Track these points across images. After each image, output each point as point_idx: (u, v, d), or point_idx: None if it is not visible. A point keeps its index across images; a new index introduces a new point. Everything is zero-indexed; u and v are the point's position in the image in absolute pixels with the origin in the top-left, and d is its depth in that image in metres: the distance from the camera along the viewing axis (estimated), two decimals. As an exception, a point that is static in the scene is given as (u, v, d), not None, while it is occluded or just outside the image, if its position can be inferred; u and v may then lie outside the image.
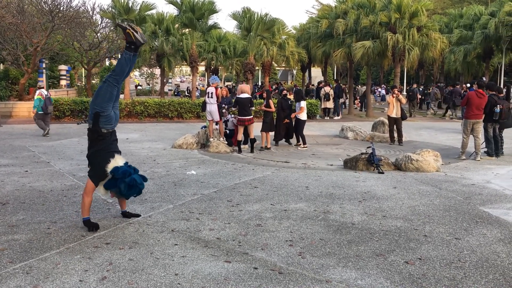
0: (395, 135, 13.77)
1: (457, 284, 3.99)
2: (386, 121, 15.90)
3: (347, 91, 26.93)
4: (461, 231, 5.40)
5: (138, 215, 5.75)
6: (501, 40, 26.58)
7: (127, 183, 5.09)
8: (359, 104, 30.07)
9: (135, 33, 4.90)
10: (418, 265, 4.39)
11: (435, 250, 4.77)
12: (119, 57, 5.05)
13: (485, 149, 11.25)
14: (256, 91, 30.61)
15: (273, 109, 12.62)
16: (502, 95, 11.52)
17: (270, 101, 12.61)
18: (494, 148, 11.10)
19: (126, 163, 5.26)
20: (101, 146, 5.19)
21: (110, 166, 5.10)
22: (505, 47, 27.21)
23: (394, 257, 4.58)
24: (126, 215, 5.70)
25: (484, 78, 26.46)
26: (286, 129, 13.00)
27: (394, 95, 13.58)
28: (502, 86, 26.24)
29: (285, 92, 13.50)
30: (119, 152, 5.34)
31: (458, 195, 7.20)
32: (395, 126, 13.70)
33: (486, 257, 4.60)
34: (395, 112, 13.56)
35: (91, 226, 5.14)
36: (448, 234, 5.30)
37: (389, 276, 4.13)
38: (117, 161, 5.17)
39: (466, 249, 4.83)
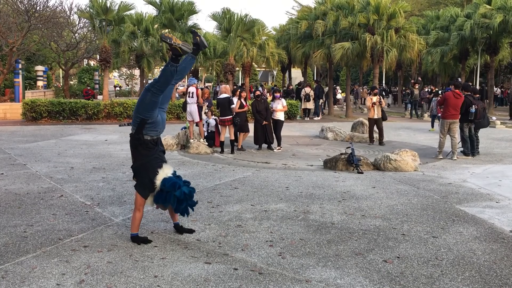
0: (375, 135, 13.90)
1: (434, 281, 4.05)
2: (366, 121, 16.06)
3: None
4: (438, 230, 5.49)
5: (192, 231, 5.25)
6: (476, 41, 27.09)
7: (176, 197, 4.72)
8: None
9: (182, 47, 4.62)
10: (396, 263, 4.45)
11: (413, 249, 4.84)
12: (164, 68, 4.72)
13: (462, 149, 11.45)
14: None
15: (236, 109, 11.98)
16: (477, 95, 11.75)
17: (239, 101, 12.28)
18: (470, 147, 11.31)
19: (174, 173, 4.93)
20: (148, 158, 4.81)
21: (159, 178, 4.76)
22: (480, 49, 27.73)
23: (373, 256, 4.63)
24: (179, 229, 5.24)
25: (460, 79, 26.94)
26: (264, 132, 12.39)
27: (376, 103, 13.54)
28: (477, 86, 26.77)
29: (257, 93, 12.84)
30: (165, 162, 4.97)
31: (435, 194, 7.31)
32: (375, 127, 13.82)
33: (462, 255, 4.68)
34: (376, 113, 13.69)
35: (140, 242, 4.83)
36: (426, 232, 5.38)
37: (368, 275, 4.17)
38: (165, 172, 4.81)
39: (443, 247, 4.91)
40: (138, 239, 4.86)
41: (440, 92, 20.79)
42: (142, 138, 4.77)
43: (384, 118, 13.92)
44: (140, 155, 4.83)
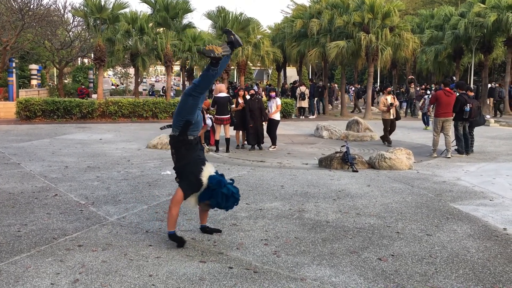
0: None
1: (429, 279, 4.07)
2: (361, 120, 16.08)
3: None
4: (433, 228, 5.51)
5: (219, 231, 5.24)
6: (470, 40, 27.19)
7: (224, 194, 4.75)
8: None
9: (223, 53, 4.60)
10: (391, 261, 4.46)
11: (407, 247, 4.86)
12: (204, 73, 4.70)
13: (456, 147, 11.50)
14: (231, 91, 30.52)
15: (234, 108, 12.20)
16: (472, 94, 11.79)
17: (235, 100, 12.37)
18: (464, 146, 11.36)
19: (216, 172, 4.95)
20: (191, 157, 4.82)
21: (205, 175, 4.78)
22: (474, 47, 27.84)
23: (367, 254, 4.64)
24: (207, 230, 5.20)
25: (454, 78, 27.03)
26: (255, 133, 12.14)
27: (390, 107, 13.06)
28: (471, 85, 26.89)
29: (252, 92, 12.68)
30: (206, 160, 4.98)
31: (429, 192, 7.34)
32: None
33: (456, 253, 4.71)
34: (391, 114, 13.23)
35: (178, 241, 4.74)
36: (420, 230, 5.40)
37: (362, 273, 4.18)
38: (208, 170, 4.84)
39: (437, 245, 4.93)
40: (176, 238, 4.76)
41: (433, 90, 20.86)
42: (187, 139, 4.79)
43: (398, 118, 13.40)
44: (184, 155, 4.82)
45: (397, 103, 13.44)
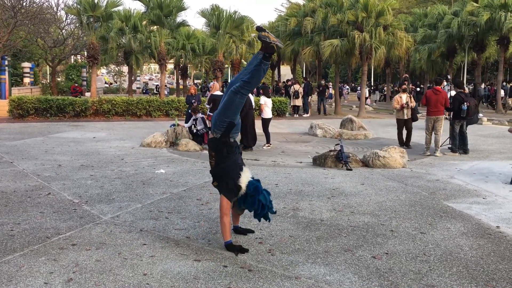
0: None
1: (423, 277, 4.09)
2: (355, 118, 16.13)
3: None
4: (426, 226, 5.53)
5: (251, 231, 5.17)
6: (463, 39, 27.35)
7: (261, 202, 4.64)
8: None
9: (278, 44, 4.43)
10: (385, 259, 4.47)
11: (401, 245, 4.87)
12: (256, 68, 4.49)
13: (449, 145, 11.54)
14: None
15: None
16: (466, 91, 11.85)
17: None
18: (462, 144, 11.36)
19: (253, 177, 4.81)
20: (231, 160, 4.68)
21: (243, 181, 4.65)
22: (467, 46, 27.99)
23: (361, 252, 4.66)
24: (239, 231, 5.10)
25: (449, 76, 27.19)
26: (242, 132, 11.57)
27: (406, 105, 12.28)
28: (465, 83, 27.07)
29: None
30: (244, 164, 4.85)
31: (423, 190, 7.37)
32: (404, 128, 12.58)
33: (450, 251, 4.73)
34: (405, 114, 12.48)
35: (236, 250, 4.55)
36: (414, 228, 5.42)
37: (357, 271, 4.19)
38: (246, 175, 4.71)
39: (431, 243, 4.95)
40: (234, 248, 4.59)
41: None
42: (229, 141, 4.66)
43: (414, 118, 12.55)
44: (224, 158, 4.69)
45: (413, 103, 12.43)
